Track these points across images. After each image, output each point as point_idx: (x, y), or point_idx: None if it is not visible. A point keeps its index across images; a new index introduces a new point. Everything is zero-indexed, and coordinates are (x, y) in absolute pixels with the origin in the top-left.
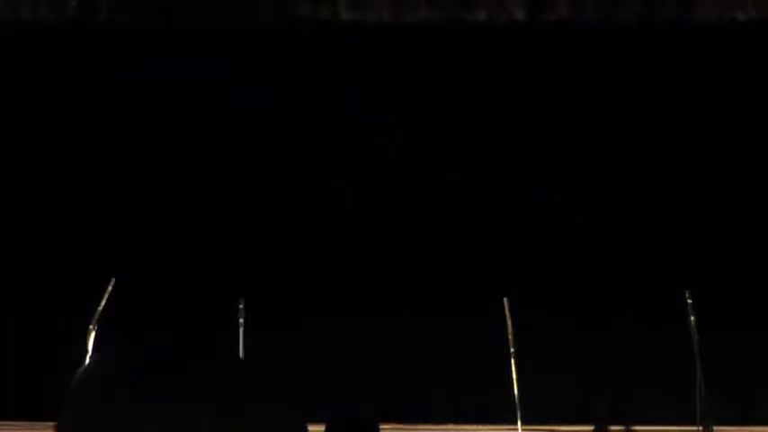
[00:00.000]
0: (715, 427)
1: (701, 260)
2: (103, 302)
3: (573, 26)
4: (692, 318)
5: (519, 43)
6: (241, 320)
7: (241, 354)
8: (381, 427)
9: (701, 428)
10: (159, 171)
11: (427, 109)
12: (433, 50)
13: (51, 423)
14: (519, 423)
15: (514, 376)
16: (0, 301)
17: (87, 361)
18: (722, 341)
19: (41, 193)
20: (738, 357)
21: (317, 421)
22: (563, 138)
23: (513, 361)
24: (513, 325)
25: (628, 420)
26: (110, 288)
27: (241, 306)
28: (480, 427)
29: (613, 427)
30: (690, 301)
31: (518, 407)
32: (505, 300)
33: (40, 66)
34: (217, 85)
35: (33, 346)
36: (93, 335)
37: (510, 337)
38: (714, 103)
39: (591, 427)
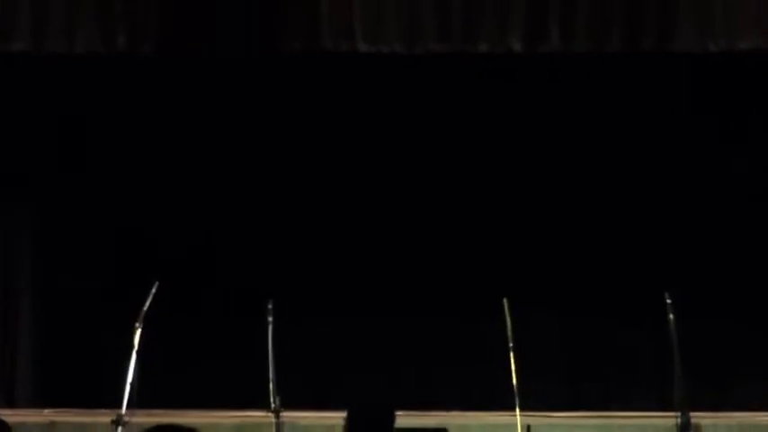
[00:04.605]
0: (691, 413)
1: (680, 262)
2: (148, 303)
3: (564, 56)
4: (671, 316)
5: (517, 72)
6: (270, 319)
7: (270, 352)
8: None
9: (679, 414)
10: (198, 190)
11: (436, 131)
12: (441, 79)
13: (103, 410)
14: (517, 410)
15: (513, 368)
16: (58, 303)
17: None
18: (699, 334)
19: (90, 205)
20: (714, 349)
21: (337, 408)
22: (560, 151)
23: (512, 355)
24: (511, 323)
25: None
26: (153, 290)
27: (270, 306)
28: (483, 413)
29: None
30: (669, 301)
31: (516, 395)
32: (505, 300)
33: (94, 96)
34: (251, 112)
35: (89, 343)
36: (138, 332)
37: (509, 333)
38: (695, 125)
39: (581, 413)
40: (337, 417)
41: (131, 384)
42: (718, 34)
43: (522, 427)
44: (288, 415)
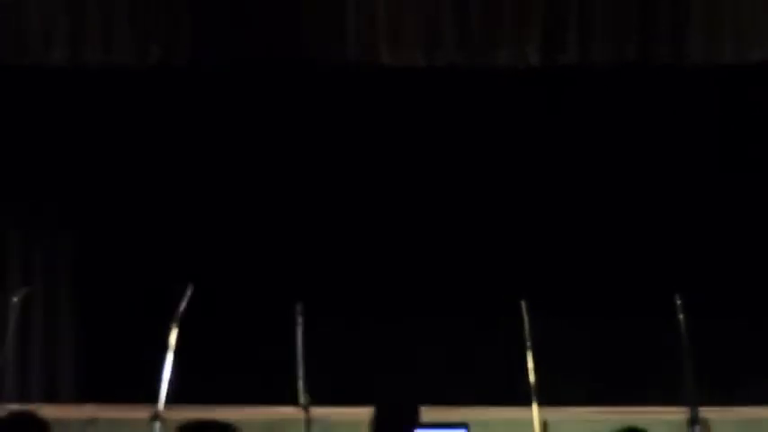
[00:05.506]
0: (700, 408)
1: (690, 265)
2: (183, 305)
3: (581, 68)
4: (681, 316)
5: (535, 83)
6: (299, 320)
7: (299, 351)
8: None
9: (688, 409)
10: (236, 195)
11: (457, 140)
12: (461, 89)
13: (142, 406)
14: (534, 405)
15: (530, 366)
16: (99, 304)
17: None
18: (708, 333)
19: (130, 210)
20: (722, 347)
21: (364, 404)
22: (572, 157)
23: (529, 354)
24: (529, 323)
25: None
26: (188, 293)
27: (299, 308)
28: (503, 408)
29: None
30: (679, 302)
31: (533, 392)
32: (523, 302)
33: (127, 107)
34: (279, 121)
35: (128, 342)
36: (174, 332)
37: (527, 334)
38: (707, 134)
39: (595, 409)
40: (364, 412)
41: (167, 381)
42: (730, 46)
43: (539, 421)
44: (316, 411)
